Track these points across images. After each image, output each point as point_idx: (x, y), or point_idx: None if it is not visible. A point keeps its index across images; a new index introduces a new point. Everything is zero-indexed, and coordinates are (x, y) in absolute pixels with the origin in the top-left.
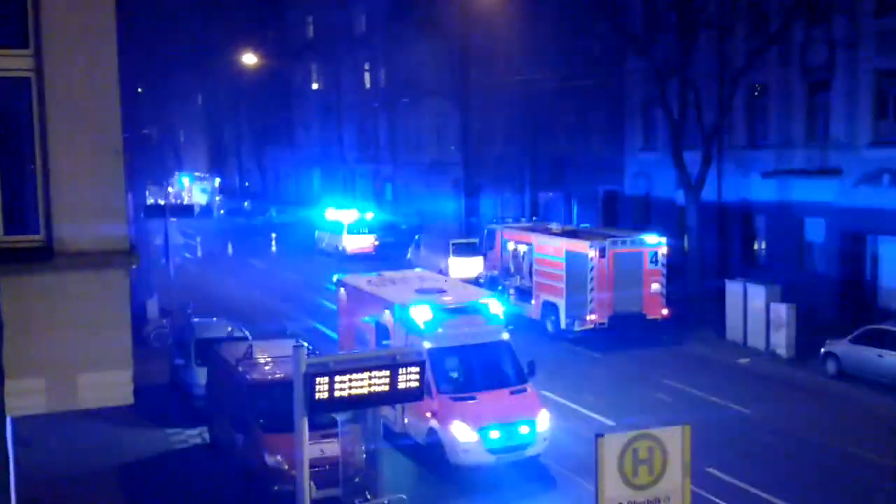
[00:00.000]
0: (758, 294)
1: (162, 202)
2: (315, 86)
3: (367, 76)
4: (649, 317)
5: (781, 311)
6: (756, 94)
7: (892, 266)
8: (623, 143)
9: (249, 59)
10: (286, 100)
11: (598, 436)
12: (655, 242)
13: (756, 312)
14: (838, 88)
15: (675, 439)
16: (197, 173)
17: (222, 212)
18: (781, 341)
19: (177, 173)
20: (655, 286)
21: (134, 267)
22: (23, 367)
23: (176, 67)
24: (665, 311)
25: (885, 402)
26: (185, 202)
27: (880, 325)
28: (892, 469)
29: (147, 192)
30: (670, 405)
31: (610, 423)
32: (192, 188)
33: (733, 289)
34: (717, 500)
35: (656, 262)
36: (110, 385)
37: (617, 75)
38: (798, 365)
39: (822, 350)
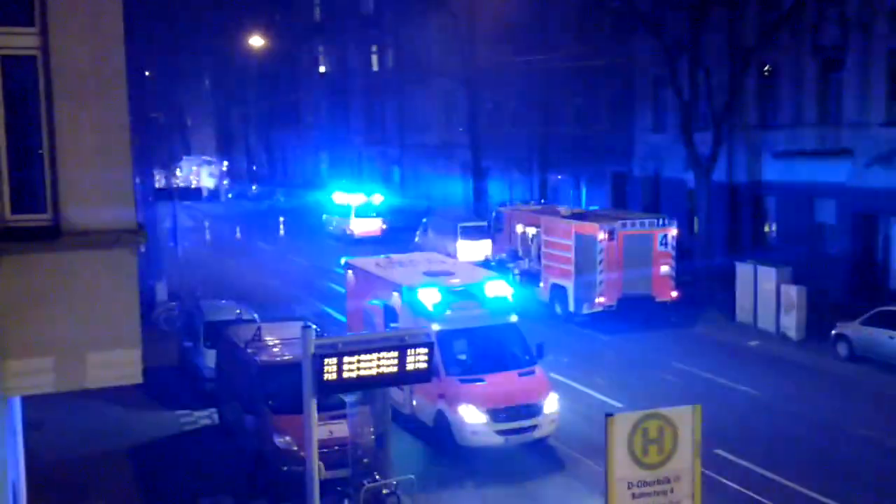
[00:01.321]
0: (768, 276)
1: (170, 186)
2: (322, 68)
3: (374, 58)
4: (658, 299)
5: (792, 292)
6: (767, 73)
7: None
8: (632, 125)
9: (257, 41)
10: (294, 82)
11: (608, 415)
12: (665, 224)
13: (766, 294)
14: (851, 68)
15: (685, 419)
16: (205, 157)
17: (230, 195)
18: (792, 323)
19: (185, 157)
20: (665, 268)
21: (142, 246)
22: (31, 346)
23: (183, 51)
24: (674, 294)
25: (895, 383)
26: (193, 186)
27: (892, 307)
28: None
29: (155, 176)
30: (679, 387)
31: (619, 405)
32: (200, 172)
33: (743, 270)
34: (725, 481)
35: (666, 244)
36: (119, 364)
37: (626, 56)
38: (809, 347)
39: (833, 332)
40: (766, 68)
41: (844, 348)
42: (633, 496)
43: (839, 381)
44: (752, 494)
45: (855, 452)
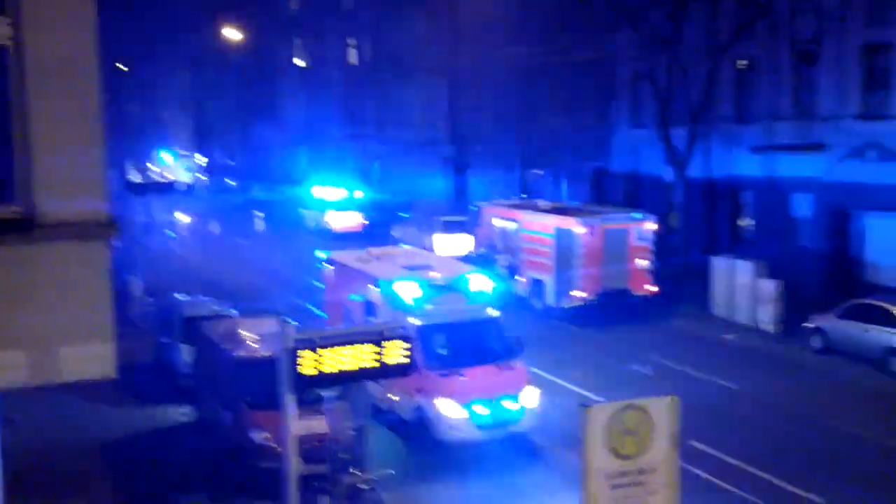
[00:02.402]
0: (745, 270)
1: (145, 180)
2: (300, 62)
3: (353, 51)
4: (636, 293)
5: (768, 286)
6: (743, 68)
7: (877, 241)
8: (611, 120)
9: (234, 34)
10: (271, 76)
11: (585, 406)
12: (643, 219)
13: (743, 288)
14: (826, 62)
15: (662, 410)
16: (181, 151)
17: (206, 189)
18: (768, 316)
19: (160, 151)
20: (643, 263)
21: (116, 239)
22: (3, 340)
23: (160, 44)
24: (652, 288)
25: (870, 376)
26: (169, 180)
27: (866, 300)
28: (876, 443)
29: (130, 170)
30: (656, 380)
31: (597, 398)
32: (176, 166)
33: (720, 265)
34: (701, 473)
35: (644, 238)
36: (92, 358)
37: (606, 51)
38: (784, 340)
39: (808, 325)
40: (742, 63)
41: (819, 341)
42: (611, 487)
43: (814, 374)
44: (726, 485)
45: (829, 444)
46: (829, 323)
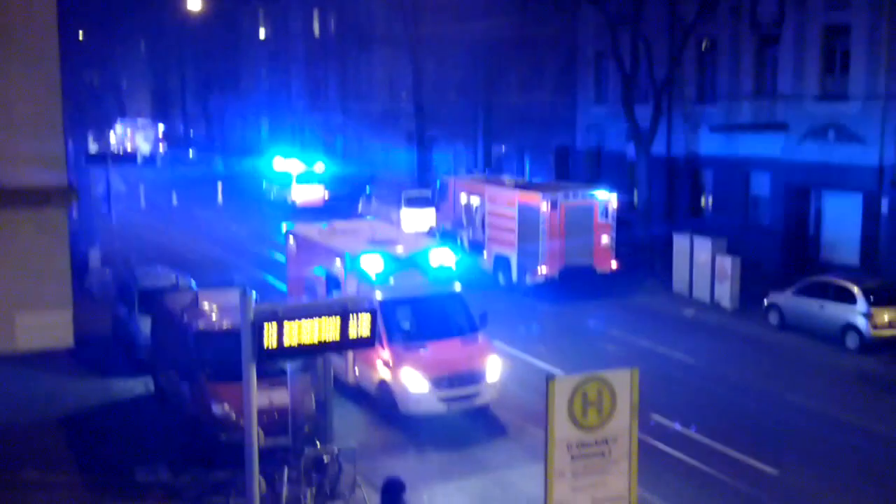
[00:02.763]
0: (704, 247)
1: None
2: (263, 32)
3: (316, 24)
4: (599, 270)
5: (726, 263)
6: (706, 47)
7: (834, 220)
8: (575, 97)
9: (195, 3)
10: (233, 46)
11: (550, 378)
12: (606, 196)
13: (702, 265)
14: (787, 43)
15: (623, 382)
16: (140, 121)
17: (162, 160)
18: (726, 293)
19: (119, 120)
20: (605, 239)
21: (74, 209)
22: None
23: (119, 12)
24: (614, 264)
25: (825, 351)
26: (128, 150)
27: (822, 277)
28: (831, 417)
29: (89, 140)
30: (618, 355)
31: (560, 372)
32: (135, 136)
33: (680, 242)
34: (662, 446)
35: (606, 215)
36: (50, 326)
37: (570, 27)
38: (742, 316)
39: (766, 302)
40: (704, 43)
41: (776, 317)
42: (573, 458)
43: (770, 349)
44: (683, 456)
45: (784, 417)
46: (786, 300)
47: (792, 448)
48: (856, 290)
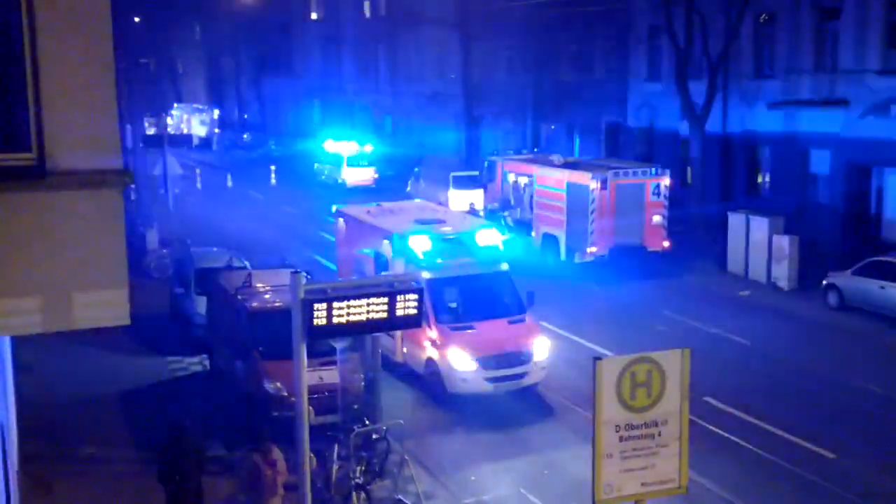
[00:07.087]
0: (760, 226)
1: (162, 133)
2: (314, 15)
3: (366, 5)
4: (650, 249)
5: (784, 243)
6: (764, 21)
7: None
8: (627, 74)
9: None
10: (285, 30)
11: (597, 359)
12: (658, 174)
13: (758, 244)
14: (848, 16)
15: (674, 362)
16: (196, 105)
17: (217, 143)
18: (783, 273)
19: (176, 105)
20: (657, 218)
21: (130, 190)
22: (18, 286)
23: None
24: (666, 243)
25: (885, 333)
26: (184, 133)
27: (883, 257)
28: (892, 400)
29: (145, 123)
30: (669, 336)
31: (609, 353)
32: (191, 120)
33: (736, 221)
34: (714, 429)
35: (658, 193)
36: (106, 304)
37: (623, 2)
38: (799, 297)
39: (824, 282)
40: (762, 16)
41: (835, 298)
42: (621, 439)
43: (829, 331)
44: (739, 441)
45: (842, 400)
46: (846, 280)
47: (850, 432)
48: None
